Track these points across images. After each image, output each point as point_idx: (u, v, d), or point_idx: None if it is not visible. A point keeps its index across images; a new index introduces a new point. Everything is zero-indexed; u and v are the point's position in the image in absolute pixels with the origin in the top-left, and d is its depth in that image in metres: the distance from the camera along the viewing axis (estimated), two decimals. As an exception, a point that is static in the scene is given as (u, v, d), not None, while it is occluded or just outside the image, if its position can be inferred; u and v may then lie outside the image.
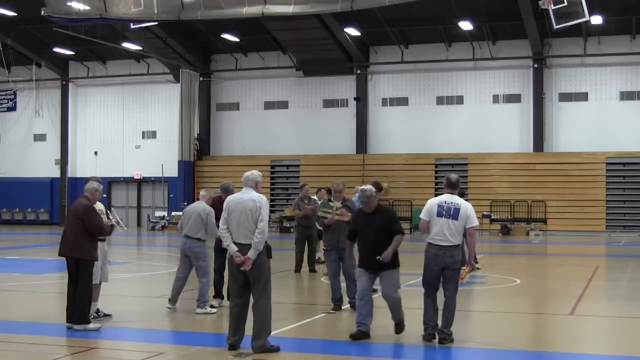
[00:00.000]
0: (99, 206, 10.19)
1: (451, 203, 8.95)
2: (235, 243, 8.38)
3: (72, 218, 9.81)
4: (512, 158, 33.18)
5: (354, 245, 9.58)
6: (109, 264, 10.68)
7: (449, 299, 9.01)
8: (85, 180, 10.51)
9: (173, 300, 11.27)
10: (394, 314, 9.28)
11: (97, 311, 10.38)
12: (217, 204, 11.15)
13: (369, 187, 9.33)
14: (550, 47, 32.95)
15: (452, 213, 8.87)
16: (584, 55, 32.49)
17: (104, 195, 37.58)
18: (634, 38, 32.01)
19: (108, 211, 10.95)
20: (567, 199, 32.18)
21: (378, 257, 8.96)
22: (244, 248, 8.33)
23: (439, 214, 8.91)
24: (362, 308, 9.16)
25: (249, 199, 8.45)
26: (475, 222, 8.94)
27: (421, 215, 9.12)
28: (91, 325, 9.56)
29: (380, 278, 9.24)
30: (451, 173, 9.64)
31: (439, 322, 9.07)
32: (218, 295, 11.61)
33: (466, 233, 9.00)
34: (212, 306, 11.42)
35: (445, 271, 8.93)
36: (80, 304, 9.58)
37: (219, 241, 10.93)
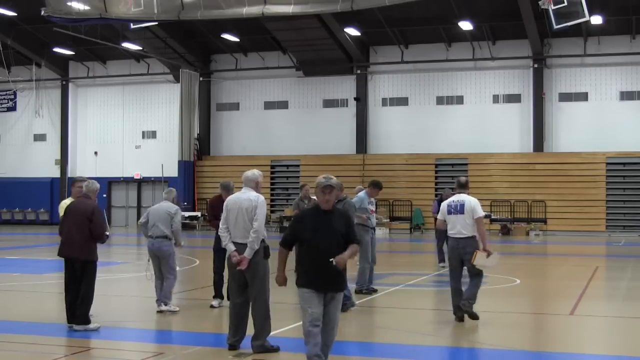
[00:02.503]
0: None
1: (458, 201, 10.36)
2: (233, 242, 8.40)
3: (79, 218, 9.68)
4: (512, 158, 33.16)
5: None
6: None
7: (471, 282, 10.25)
8: (73, 180, 10.45)
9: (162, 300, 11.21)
10: (325, 350, 7.17)
11: None
12: (217, 203, 11.15)
13: (333, 177, 7.22)
14: (550, 47, 32.94)
15: (459, 209, 10.27)
16: (584, 55, 32.48)
17: (104, 195, 37.78)
18: (634, 38, 32.01)
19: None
20: (567, 199, 32.17)
21: (331, 259, 6.83)
22: (241, 247, 8.35)
23: (449, 212, 10.37)
24: (316, 336, 7.04)
25: (246, 198, 8.46)
26: (480, 213, 10.20)
27: (438, 215, 10.75)
28: (91, 326, 9.55)
29: (327, 301, 7.05)
30: (461, 176, 11.24)
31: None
32: (218, 295, 11.60)
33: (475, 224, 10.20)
34: (212, 306, 11.43)
35: (464, 261, 10.22)
36: (84, 305, 9.57)
37: (218, 241, 10.92)
